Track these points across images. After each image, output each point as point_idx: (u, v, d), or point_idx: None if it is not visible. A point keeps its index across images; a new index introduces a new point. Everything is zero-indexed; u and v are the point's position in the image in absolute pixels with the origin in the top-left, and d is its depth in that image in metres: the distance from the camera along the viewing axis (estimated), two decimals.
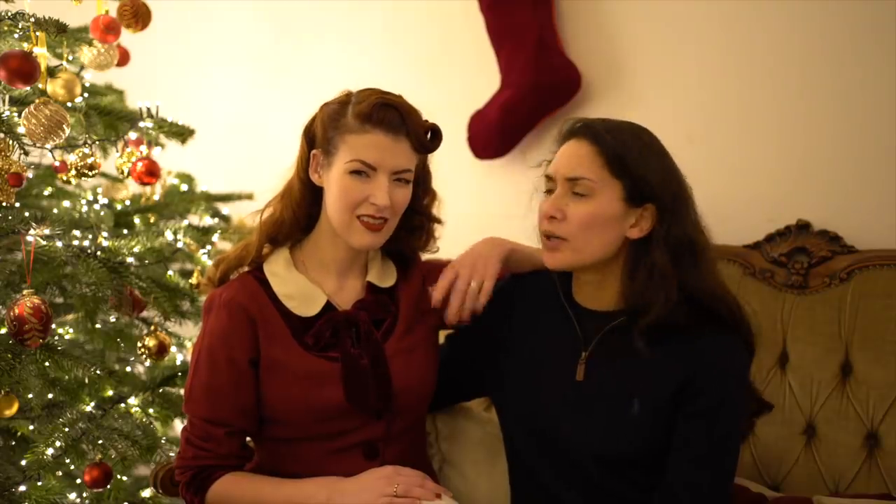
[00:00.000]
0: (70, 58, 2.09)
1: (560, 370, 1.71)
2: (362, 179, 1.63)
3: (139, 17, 2.08)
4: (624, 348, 1.64)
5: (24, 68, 1.74)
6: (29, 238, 1.78)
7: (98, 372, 1.93)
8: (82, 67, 2.11)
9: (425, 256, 1.86)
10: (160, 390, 2.20)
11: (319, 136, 1.67)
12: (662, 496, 1.61)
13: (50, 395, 2.09)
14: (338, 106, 1.67)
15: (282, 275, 1.72)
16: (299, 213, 1.72)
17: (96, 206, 2.39)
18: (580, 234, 1.64)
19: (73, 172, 1.97)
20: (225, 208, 2.65)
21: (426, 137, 1.68)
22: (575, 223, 1.64)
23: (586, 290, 1.73)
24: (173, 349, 2.30)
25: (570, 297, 1.75)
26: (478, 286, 1.76)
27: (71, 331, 2.32)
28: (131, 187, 2.52)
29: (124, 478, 2.21)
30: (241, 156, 3.10)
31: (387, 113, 1.62)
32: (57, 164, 2.02)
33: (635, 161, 1.62)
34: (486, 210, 2.67)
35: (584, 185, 1.63)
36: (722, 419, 1.61)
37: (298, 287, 1.71)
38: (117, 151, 2.11)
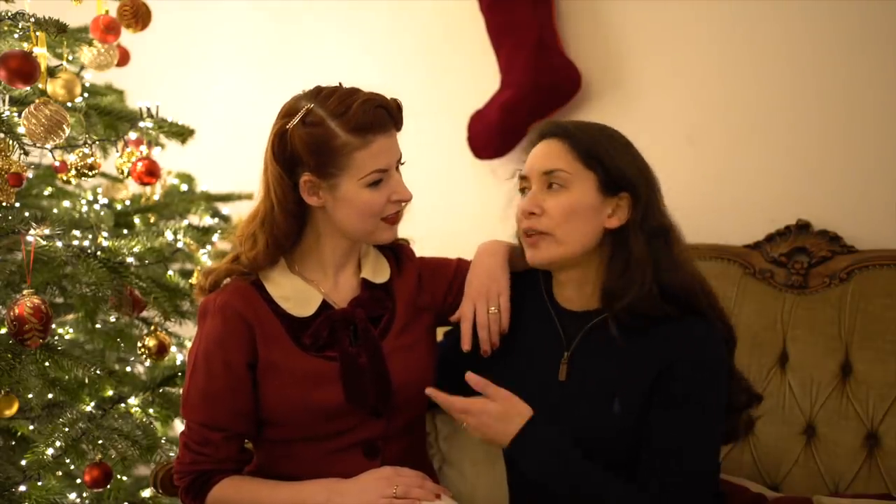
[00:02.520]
0: (70, 58, 2.09)
1: (544, 370, 1.72)
2: (381, 185, 1.64)
3: (139, 17, 2.08)
4: (605, 346, 1.66)
5: (24, 68, 1.75)
6: (29, 238, 1.79)
7: (98, 372, 1.93)
8: (82, 67, 2.11)
9: (421, 254, 1.86)
10: (160, 390, 2.20)
11: (306, 161, 1.61)
12: (638, 486, 1.60)
13: (50, 395, 2.09)
14: (316, 128, 1.60)
15: (276, 278, 1.71)
16: (288, 236, 1.69)
17: (96, 206, 2.39)
18: (561, 226, 1.66)
19: (73, 172, 1.97)
20: (225, 208, 2.65)
21: (401, 116, 1.68)
22: (555, 215, 1.66)
23: (566, 291, 1.74)
24: (173, 349, 2.30)
25: (551, 298, 1.76)
26: (497, 308, 1.75)
27: (71, 331, 2.32)
28: (131, 187, 2.51)
29: (124, 478, 2.21)
30: (241, 156, 3.08)
31: (378, 113, 1.61)
32: (57, 164, 2.02)
33: (606, 152, 1.67)
34: (487, 210, 2.64)
35: (559, 176, 1.66)
36: (696, 405, 1.60)
37: (294, 288, 1.71)
38: (117, 151, 2.10)
